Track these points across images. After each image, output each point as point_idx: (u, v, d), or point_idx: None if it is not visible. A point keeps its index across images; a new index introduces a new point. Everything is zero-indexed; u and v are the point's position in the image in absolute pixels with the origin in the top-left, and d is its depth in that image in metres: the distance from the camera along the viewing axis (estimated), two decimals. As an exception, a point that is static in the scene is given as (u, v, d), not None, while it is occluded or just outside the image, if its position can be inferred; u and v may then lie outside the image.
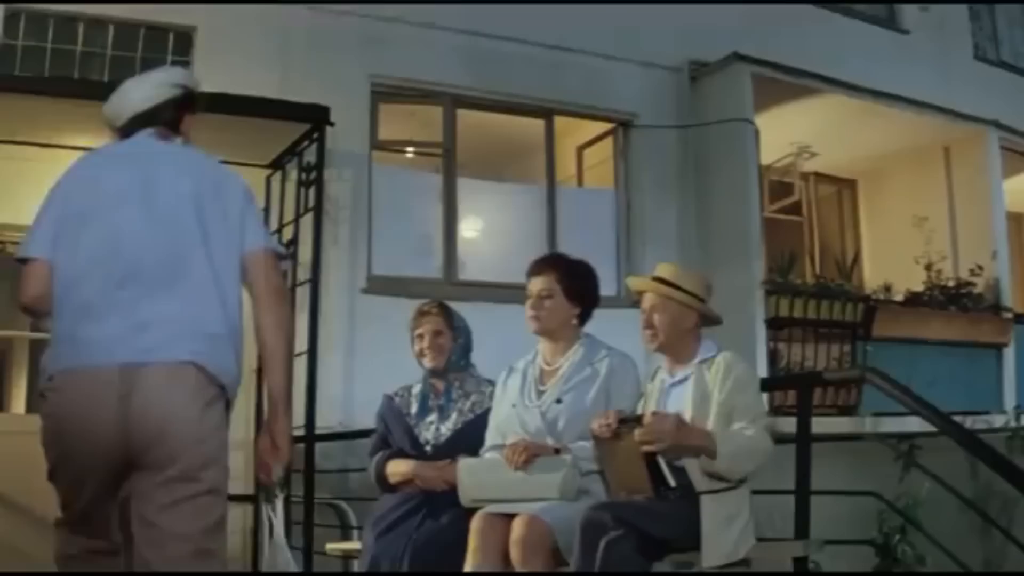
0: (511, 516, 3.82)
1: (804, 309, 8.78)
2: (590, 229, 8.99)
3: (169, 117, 3.29)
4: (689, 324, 4.03)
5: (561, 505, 3.84)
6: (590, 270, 4.35)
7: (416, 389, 4.64)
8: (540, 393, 4.21)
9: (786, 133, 9.95)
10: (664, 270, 4.14)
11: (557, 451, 4.00)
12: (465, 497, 4.05)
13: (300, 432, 6.28)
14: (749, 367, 4.03)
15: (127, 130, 3.26)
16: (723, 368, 3.89)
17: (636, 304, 4.14)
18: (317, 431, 6.37)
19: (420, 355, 4.58)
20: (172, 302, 2.97)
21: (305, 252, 6.69)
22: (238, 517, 7.13)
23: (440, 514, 4.23)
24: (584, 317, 4.29)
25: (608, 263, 8.83)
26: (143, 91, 3.30)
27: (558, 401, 4.14)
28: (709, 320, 4.10)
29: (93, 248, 3.00)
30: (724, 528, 3.73)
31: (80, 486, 2.99)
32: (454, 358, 4.55)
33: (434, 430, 4.48)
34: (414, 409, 4.58)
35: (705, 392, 3.89)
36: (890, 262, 10.53)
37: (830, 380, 6.96)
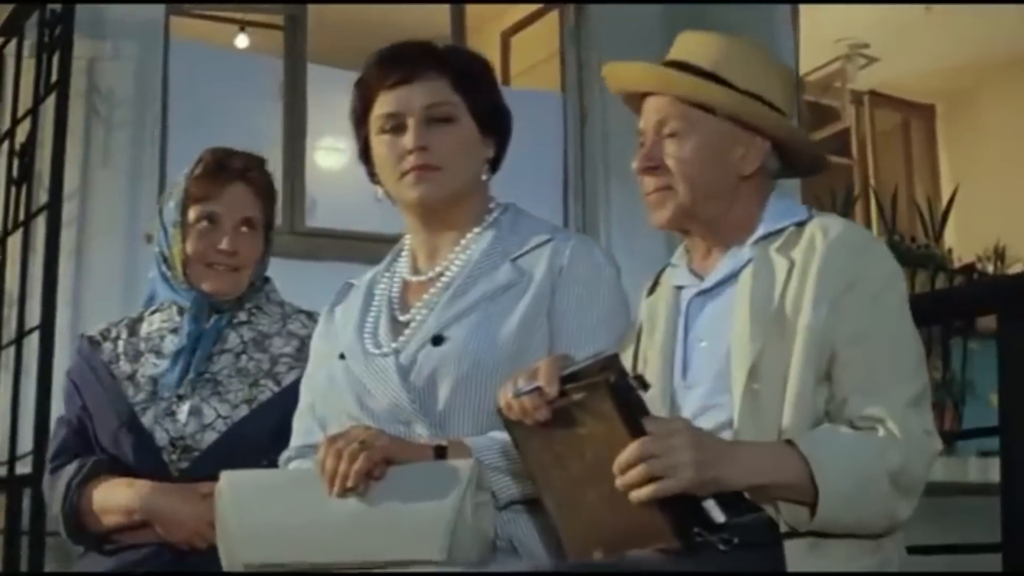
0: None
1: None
2: (524, 152, 7.97)
3: None
4: (750, 164, 2.71)
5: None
6: (490, 67, 3.24)
7: (158, 328, 3.47)
8: (400, 327, 2.98)
9: (830, 24, 9.38)
10: (692, 45, 2.81)
11: (440, 452, 2.71)
12: (232, 557, 2.79)
13: (26, 469, 5.43)
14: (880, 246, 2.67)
15: None
16: (824, 247, 2.52)
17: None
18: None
19: (202, 260, 3.46)
20: None
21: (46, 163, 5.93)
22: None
23: None
24: (495, 166, 3.22)
25: (550, 203, 8.10)
26: None
27: (436, 341, 2.88)
28: (792, 157, 2.75)
29: None
30: None
31: None
32: (258, 282, 3.53)
33: (185, 415, 3.27)
34: (153, 370, 3.36)
35: (773, 305, 2.54)
36: (992, 218, 10.05)
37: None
